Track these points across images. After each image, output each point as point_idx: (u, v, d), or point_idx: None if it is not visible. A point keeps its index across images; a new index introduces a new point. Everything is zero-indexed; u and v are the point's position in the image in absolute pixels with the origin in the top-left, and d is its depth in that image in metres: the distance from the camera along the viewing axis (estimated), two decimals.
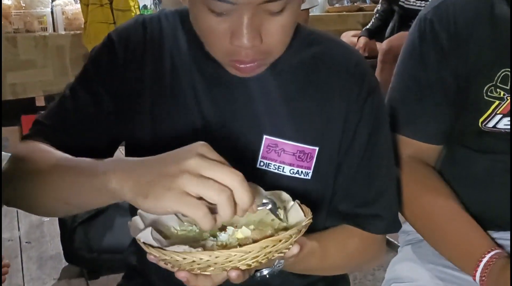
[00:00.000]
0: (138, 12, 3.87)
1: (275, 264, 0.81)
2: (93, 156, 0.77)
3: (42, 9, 4.37)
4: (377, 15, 4.38)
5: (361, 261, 1.01)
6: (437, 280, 1.06)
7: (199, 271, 0.69)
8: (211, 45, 0.83)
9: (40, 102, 4.44)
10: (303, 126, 0.92)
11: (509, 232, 1.08)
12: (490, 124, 1.05)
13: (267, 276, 0.83)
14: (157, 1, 5.57)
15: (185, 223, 0.83)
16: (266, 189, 0.84)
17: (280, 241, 0.70)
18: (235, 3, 0.74)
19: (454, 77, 1.05)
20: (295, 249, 0.73)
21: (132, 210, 0.76)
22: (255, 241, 0.70)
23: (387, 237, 1.02)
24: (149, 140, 0.93)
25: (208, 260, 0.67)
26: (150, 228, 0.69)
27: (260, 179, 0.87)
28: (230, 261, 0.67)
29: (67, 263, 2.36)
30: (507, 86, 1.02)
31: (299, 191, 0.88)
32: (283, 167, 0.92)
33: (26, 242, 2.70)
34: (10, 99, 4.24)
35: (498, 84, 1.02)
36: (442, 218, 1.04)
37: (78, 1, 4.19)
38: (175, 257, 0.67)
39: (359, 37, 4.35)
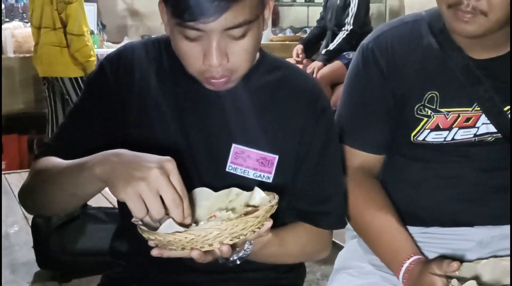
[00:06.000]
0: (90, 37, 3.96)
1: (245, 248, 0.99)
2: None
3: None
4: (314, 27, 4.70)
5: (312, 251, 1.20)
6: (376, 268, 1.25)
7: (208, 247, 0.86)
8: (188, 65, 1.01)
9: None
10: (266, 137, 1.10)
11: (435, 227, 1.29)
12: (420, 138, 1.24)
13: (238, 262, 1.00)
14: (101, 27, 5.69)
15: None
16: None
17: (266, 211, 0.89)
18: (203, 30, 0.93)
19: (392, 96, 1.24)
20: (269, 224, 0.92)
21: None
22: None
23: (334, 240, 1.23)
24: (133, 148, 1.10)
25: (225, 229, 0.85)
26: (170, 219, 0.87)
27: (228, 180, 1.06)
28: (233, 231, 0.86)
29: (38, 269, 2.43)
30: (433, 106, 1.22)
31: None
32: (248, 171, 1.10)
33: None
34: None
35: (426, 104, 1.22)
36: (378, 228, 1.22)
37: (29, 25, 4.25)
38: (202, 233, 0.84)
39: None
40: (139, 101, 1.11)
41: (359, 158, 1.29)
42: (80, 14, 3.83)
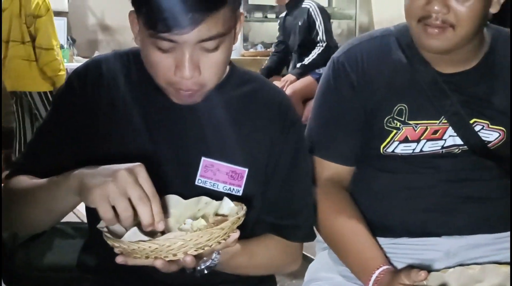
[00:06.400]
0: (60, 51, 3.93)
1: (213, 258, 0.98)
2: None
3: None
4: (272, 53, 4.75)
5: (281, 264, 1.20)
6: (346, 279, 1.26)
7: (172, 257, 0.85)
8: (158, 76, 1.00)
9: None
10: (236, 150, 1.10)
11: (404, 238, 1.30)
12: (390, 149, 1.26)
13: (205, 271, 0.99)
14: (71, 41, 5.65)
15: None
16: None
17: (233, 223, 0.89)
18: (177, 41, 0.93)
19: (363, 109, 1.26)
20: (235, 235, 0.92)
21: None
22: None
23: (304, 253, 1.22)
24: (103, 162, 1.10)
25: (190, 240, 0.84)
26: (135, 228, 0.86)
27: (198, 194, 1.04)
28: (198, 242, 0.85)
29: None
30: (402, 118, 1.24)
31: None
32: (218, 184, 1.10)
33: None
34: None
35: (395, 116, 1.24)
36: (348, 239, 1.23)
37: None
38: (166, 243, 0.83)
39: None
40: (108, 114, 1.10)
41: (329, 170, 1.30)
42: (50, 28, 3.80)
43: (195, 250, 0.86)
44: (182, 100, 1.03)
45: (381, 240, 1.27)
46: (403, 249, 1.29)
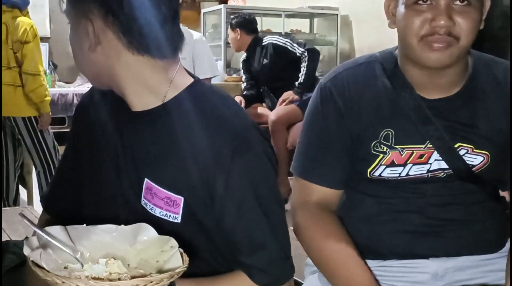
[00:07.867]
0: (45, 77, 3.93)
1: None
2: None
3: None
4: (244, 86, 4.85)
5: None
6: None
7: None
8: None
9: None
10: (173, 176, 1.05)
11: (392, 260, 1.32)
12: (376, 173, 1.29)
13: None
14: (52, 67, 5.66)
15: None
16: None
17: (151, 282, 0.80)
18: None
19: (349, 134, 1.29)
20: None
21: None
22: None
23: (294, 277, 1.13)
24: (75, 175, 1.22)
25: None
26: (40, 250, 0.83)
27: (141, 215, 1.05)
28: None
29: None
30: (388, 142, 1.27)
31: (169, 232, 0.95)
32: (155, 209, 1.06)
33: None
34: None
35: (382, 141, 1.27)
36: (337, 262, 1.24)
37: None
38: (55, 280, 0.78)
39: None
40: (88, 140, 1.19)
41: (317, 193, 1.32)
42: (36, 54, 3.79)
43: None
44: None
45: (370, 262, 1.29)
46: (392, 271, 1.31)
